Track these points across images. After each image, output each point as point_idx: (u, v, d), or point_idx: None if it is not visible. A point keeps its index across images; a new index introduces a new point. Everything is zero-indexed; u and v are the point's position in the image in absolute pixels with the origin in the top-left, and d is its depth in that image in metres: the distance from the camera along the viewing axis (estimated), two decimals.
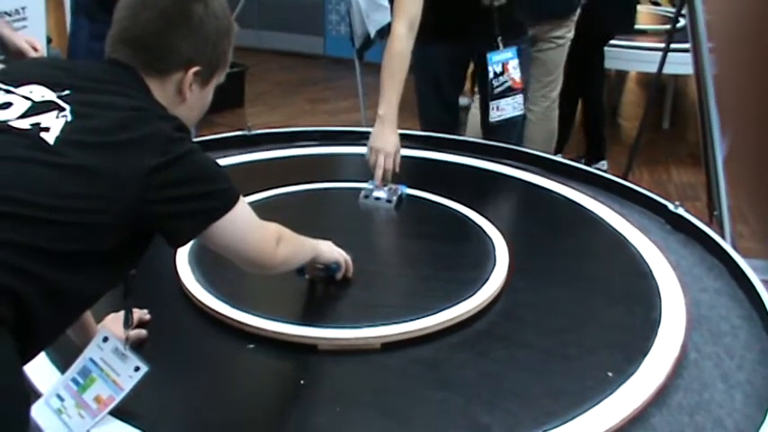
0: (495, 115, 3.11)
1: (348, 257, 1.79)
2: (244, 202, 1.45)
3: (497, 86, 3.08)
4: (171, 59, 1.46)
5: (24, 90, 1.36)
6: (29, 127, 1.30)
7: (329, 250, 1.77)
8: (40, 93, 1.36)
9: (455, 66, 3.41)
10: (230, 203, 1.40)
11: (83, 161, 1.29)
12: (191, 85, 1.48)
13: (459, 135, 3.54)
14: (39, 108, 1.33)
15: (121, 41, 1.47)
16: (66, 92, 1.36)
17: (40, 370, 1.48)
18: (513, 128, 3.36)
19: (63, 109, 1.33)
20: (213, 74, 1.54)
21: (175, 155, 1.33)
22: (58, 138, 1.29)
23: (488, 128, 3.36)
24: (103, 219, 1.29)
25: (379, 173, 2.34)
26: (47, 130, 1.29)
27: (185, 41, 1.46)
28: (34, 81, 1.38)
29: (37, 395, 1.43)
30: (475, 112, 4.51)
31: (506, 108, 3.10)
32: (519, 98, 3.09)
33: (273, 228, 1.55)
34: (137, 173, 1.30)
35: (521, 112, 3.07)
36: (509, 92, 3.09)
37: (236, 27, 1.58)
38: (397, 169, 2.39)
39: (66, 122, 1.31)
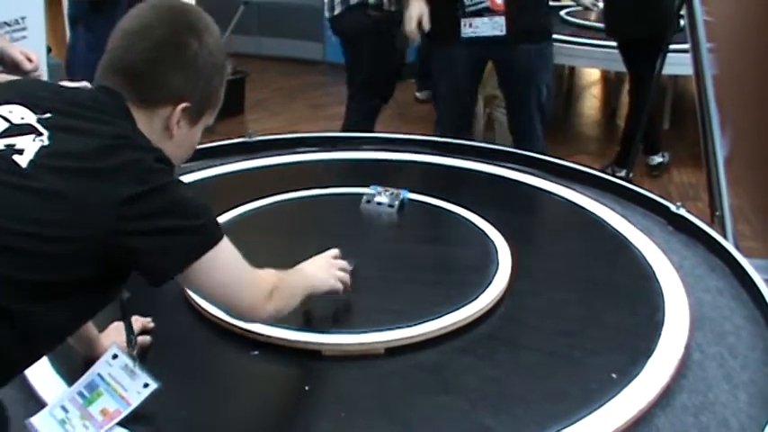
0: (467, 32, 3.22)
1: (346, 275, 1.70)
2: (228, 244, 1.38)
3: (470, 5, 3.20)
4: (161, 92, 1.43)
5: (4, 110, 1.33)
6: (3, 148, 1.26)
7: (324, 281, 1.64)
8: (20, 114, 1.32)
9: (473, 67, 3.51)
10: (211, 241, 1.34)
11: (55, 186, 1.25)
12: (178, 121, 1.44)
13: (474, 136, 3.64)
14: (15, 130, 1.29)
15: (112, 70, 1.44)
16: (48, 115, 1.33)
17: (44, 380, 1.48)
18: (534, 132, 3.47)
19: (41, 133, 1.29)
20: (203, 112, 1.49)
21: (153, 185, 1.29)
22: (31, 161, 1.25)
23: (516, 133, 3.50)
24: (74, 248, 1.25)
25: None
26: (21, 152, 1.26)
27: (177, 75, 1.43)
28: (16, 101, 1.34)
29: (41, 405, 1.43)
30: (502, 120, 4.61)
31: (481, 26, 3.20)
32: (498, 20, 3.18)
33: (267, 278, 1.47)
34: (111, 201, 1.25)
35: (501, 33, 3.16)
36: (486, 12, 3.17)
37: (229, 67, 1.54)
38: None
39: (42, 146, 1.27)
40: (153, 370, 1.44)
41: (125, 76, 1.42)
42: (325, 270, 1.67)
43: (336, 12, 4.64)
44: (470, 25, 3.25)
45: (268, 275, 1.48)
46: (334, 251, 1.73)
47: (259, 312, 1.44)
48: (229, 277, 1.39)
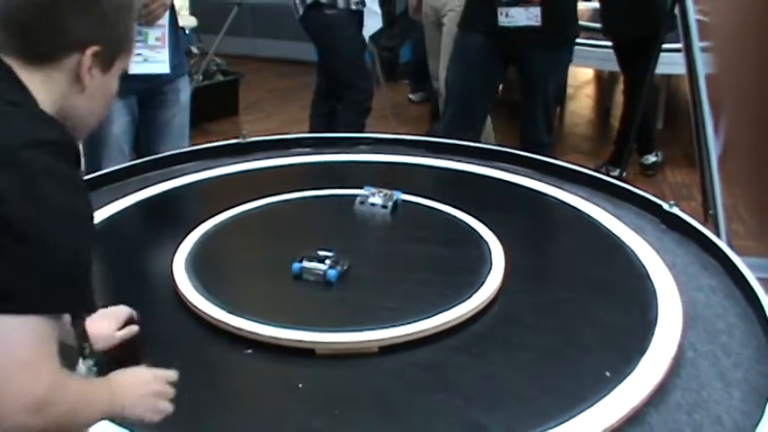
0: (504, 21, 3.30)
1: (168, 407, 1.29)
2: (45, 327, 1.07)
3: None
4: (61, 41, 1.22)
5: None
6: None
7: (135, 413, 1.25)
8: None
9: (487, 60, 3.56)
10: (41, 304, 1.06)
11: None
12: (90, 68, 1.24)
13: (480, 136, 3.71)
14: None
15: None
16: None
17: None
18: (537, 130, 3.53)
19: None
20: (115, 56, 1.29)
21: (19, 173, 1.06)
22: None
23: (521, 129, 3.56)
24: None
25: None
26: None
27: (77, 18, 1.22)
28: None
29: None
30: None
31: (517, 16, 3.30)
32: (534, 10, 3.26)
33: (47, 383, 1.07)
34: None
35: (536, 24, 3.23)
36: (522, 2, 3.24)
37: (138, 2, 1.35)
38: None
39: None
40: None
41: (9, 29, 1.22)
42: (143, 400, 1.26)
43: (300, 13, 4.73)
44: (507, 15, 3.32)
45: (49, 381, 1.08)
46: (169, 374, 1.32)
47: (13, 415, 1.06)
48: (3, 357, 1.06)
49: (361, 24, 4.83)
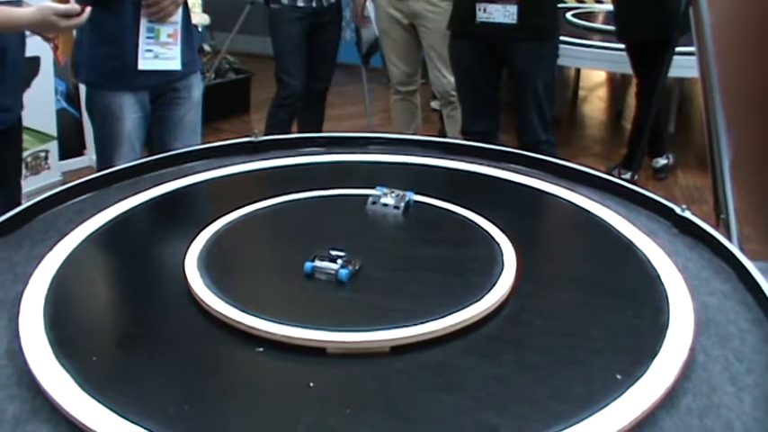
0: (482, 16, 3.42)
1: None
2: None
3: None
4: None
5: None
6: None
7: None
8: None
9: (479, 59, 3.64)
10: None
11: None
12: None
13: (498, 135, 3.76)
14: None
15: None
16: None
17: (50, 376, 1.49)
18: (531, 125, 3.58)
19: None
20: None
21: None
22: None
23: (518, 126, 3.61)
24: None
25: None
26: None
27: None
28: None
29: (50, 403, 1.44)
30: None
31: (494, 12, 3.41)
32: (511, 8, 3.37)
33: None
34: None
35: (512, 21, 3.34)
36: (500, 0, 3.34)
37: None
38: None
39: None
40: (156, 365, 1.44)
41: None
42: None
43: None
44: (485, 10, 3.40)
45: None
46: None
47: None
48: None
49: (323, 21, 4.89)
